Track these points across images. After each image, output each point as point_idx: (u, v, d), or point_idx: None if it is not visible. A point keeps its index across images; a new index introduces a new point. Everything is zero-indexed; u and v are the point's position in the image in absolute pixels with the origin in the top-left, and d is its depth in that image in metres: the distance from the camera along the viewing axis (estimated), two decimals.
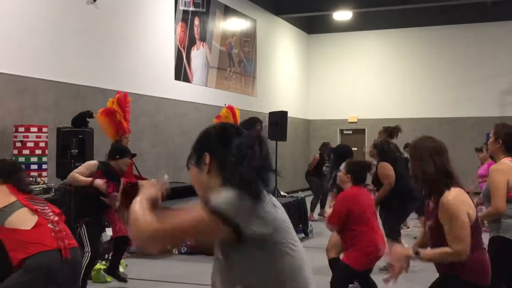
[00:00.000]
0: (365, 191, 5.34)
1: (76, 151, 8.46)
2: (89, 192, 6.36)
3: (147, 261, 7.92)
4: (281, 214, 2.05)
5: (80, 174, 6.34)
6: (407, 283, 7.07)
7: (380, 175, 7.49)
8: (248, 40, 16.96)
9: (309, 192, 13.20)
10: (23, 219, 4.06)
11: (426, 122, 19.24)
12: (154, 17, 12.58)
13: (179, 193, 6.24)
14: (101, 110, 8.58)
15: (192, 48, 13.99)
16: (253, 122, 8.98)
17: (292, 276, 2.00)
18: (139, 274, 7.22)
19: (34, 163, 8.62)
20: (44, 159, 8.79)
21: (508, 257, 4.24)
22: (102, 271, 6.81)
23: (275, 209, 2.03)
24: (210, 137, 2.14)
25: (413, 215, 9.34)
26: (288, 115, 13.00)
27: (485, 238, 3.79)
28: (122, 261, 7.35)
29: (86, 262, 6.14)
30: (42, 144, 8.83)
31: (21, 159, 8.57)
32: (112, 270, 6.80)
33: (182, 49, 13.54)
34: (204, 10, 14.53)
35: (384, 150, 7.66)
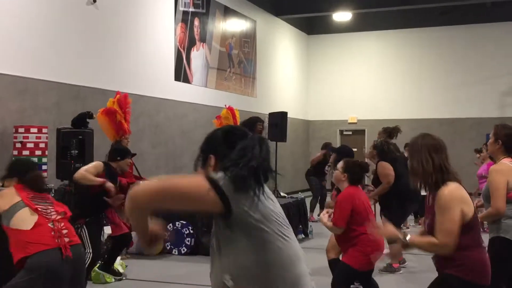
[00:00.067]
0: (362, 192, 5.32)
1: (76, 151, 8.46)
2: (91, 192, 6.37)
3: (147, 262, 7.92)
4: (273, 206, 2.08)
5: (89, 173, 6.36)
6: (407, 284, 7.08)
7: (380, 174, 7.55)
8: (248, 41, 16.97)
9: (309, 193, 13.19)
10: (24, 219, 4.08)
11: (426, 122, 19.24)
12: (154, 18, 12.59)
13: None
14: (101, 110, 8.59)
15: (192, 48, 13.99)
16: (254, 121, 9.00)
17: (282, 269, 2.01)
18: (139, 274, 7.22)
19: None
20: (44, 159, 8.80)
21: (508, 258, 4.25)
22: (96, 269, 6.79)
23: (267, 200, 2.07)
24: (216, 140, 2.20)
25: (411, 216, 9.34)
26: (288, 115, 13.00)
27: (485, 239, 3.80)
28: (122, 261, 7.36)
29: (87, 263, 6.14)
30: (42, 145, 8.85)
31: None
32: (107, 267, 6.81)
33: (182, 50, 13.55)
34: (204, 10, 14.54)
35: (383, 150, 7.68)
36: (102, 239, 7.27)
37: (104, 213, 6.68)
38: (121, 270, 7.11)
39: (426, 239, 3.41)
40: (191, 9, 13.96)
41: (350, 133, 21.07)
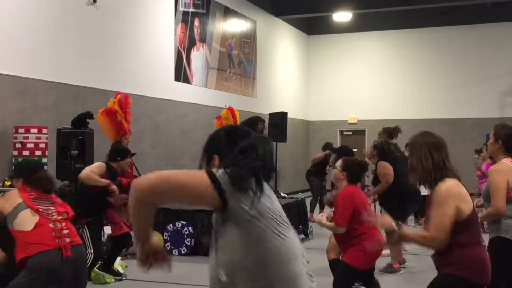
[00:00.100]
0: (361, 191, 5.31)
1: (76, 152, 8.46)
2: (93, 192, 6.37)
3: None
4: (270, 204, 2.07)
5: (94, 174, 6.36)
6: (407, 284, 7.08)
7: (379, 174, 7.59)
8: (248, 41, 16.97)
9: (310, 193, 13.18)
10: (25, 220, 4.10)
11: (426, 123, 19.22)
12: (154, 18, 12.59)
13: None
14: (101, 110, 8.59)
15: (192, 49, 13.99)
16: (255, 121, 9.00)
17: (276, 267, 2.00)
18: (139, 275, 7.21)
19: None
20: (44, 160, 8.79)
21: (508, 258, 4.24)
22: (96, 269, 6.79)
23: (265, 197, 2.07)
24: (219, 140, 2.21)
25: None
26: (288, 116, 13.00)
27: (485, 239, 3.79)
28: (122, 262, 7.36)
29: (89, 263, 6.15)
30: (42, 145, 8.84)
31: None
32: (107, 267, 6.80)
33: (182, 50, 13.54)
34: (204, 11, 14.54)
35: (384, 150, 7.70)
36: (102, 239, 7.28)
37: (105, 213, 6.68)
38: (121, 271, 7.11)
39: (418, 232, 3.46)
40: (191, 10, 13.96)
41: (350, 133, 21.07)
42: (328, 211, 5.40)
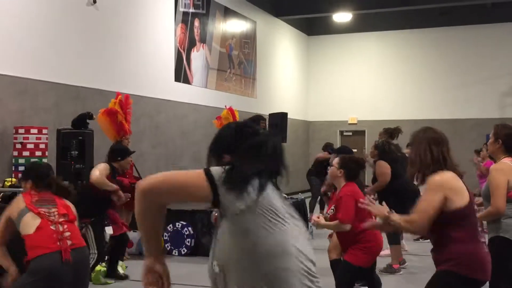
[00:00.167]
0: (359, 189, 5.28)
1: (76, 152, 8.46)
2: (93, 193, 6.37)
3: None
4: (267, 201, 2.05)
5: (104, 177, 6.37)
6: (407, 284, 7.08)
7: (377, 173, 7.68)
8: (248, 42, 16.98)
9: (310, 194, 13.17)
10: (28, 224, 4.12)
11: (426, 123, 18.99)
12: (154, 18, 12.59)
13: None
14: (102, 110, 8.59)
15: (192, 49, 14.00)
16: (256, 120, 9.01)
17: (263, 261, 2.00)
18: (139, 275, 7.21)
19: None
20: (44, 160, 8.78)
21: (508, 257, 4.24)
22: (100, 275, 6.79)
23: (263, 194, 2.05)
24: (227, 138, 2.20)
25: None
26: (288, 116, 13.00)
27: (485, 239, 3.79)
28: (122, 262, 7.35)
29: (92, 263, 6.15)
30: (42, 146, 8.84)
31: (21, 161, 8.58)
32: (112, 271, 6.80)
33: (182, 51, 13.55)
34: (204, 11, 14.54)
35: (384, 150, 7.72)
36: (105, 239, 7.27)
37: (106, 213, 6.69)
38: (121, 271, 7.10)
39: (403, 217, 3.49)
40: (191, 10, 13.97)
41: (350, 133, 21.07)
42: (317, 215, 5.38)
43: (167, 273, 2.17)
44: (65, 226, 4.19)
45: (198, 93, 14.15)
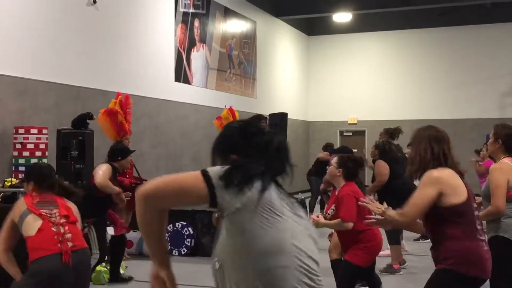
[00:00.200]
0: (359, 189, 5.27)
1: (76, 152, 8.46)
2: (97, 193, 6.36)
3: (147, 263, 7.89)
4: (264, 199, 2.05)
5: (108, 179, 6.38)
6: (407, 284, 7.08)
7: (375, 172, 7.65)
8: (248, 42, 16.98)
9: (309, 194, 13.18)
10: (30, 226, 4.11)
11: (426, 123, 18.92)
12: (154, 18, 12.59)
13: None
14: (103, 110, 8.59)
15: (192, 49, 14.00)
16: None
17: (256, 258, 2.00)
18: (139, 275, 7.21)
19: None
20: (44, 160, 8.78)
21: (507, 257, 4.24)
22: (101, 276, 6.78)
23: (263, 192, 2.05)
24: (233, 138, 2.19)
25: None
26: (288, 116, 12.99)
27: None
28: (122, 263, 7.35)
29: (94, 263, 6.15)
30: (42, 146, 8.84)
31: (21, 161, 8.58)
32: (116, 276, 6.76)
33: (182, 51, 13.55)
34: (204, 11, 14.54)
35: (385, 150, 7.73)
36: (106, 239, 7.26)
37: (107, 213, 6.69)
38: (121, 271, 7.09)
39: (398, 210, 3.55)
40: (191, 10, 13.97)
41: (350, 134, 21.07)
42: (316, 214, 5.38)
43: (173, 279, 2.16)
44: (66, 228, 4.19)
45: (198, 93, 14.15)
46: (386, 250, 7.61)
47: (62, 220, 4.20)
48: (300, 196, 11.33)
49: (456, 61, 19.82)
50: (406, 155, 9.10)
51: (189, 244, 8.51)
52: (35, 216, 4.13)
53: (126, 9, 11.65)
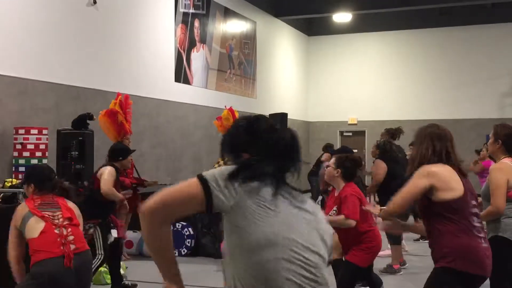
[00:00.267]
0: (359, 189, 5.26)
1: (76, 153, 8.47)
2: (100, 198, 6.36)
3: (147, 263, 7.91)
4: (254, 194, 2.05)
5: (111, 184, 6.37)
6: (407, 284, 7.09)
7: (373, 172, 7.66)
8: (248, 42, 16.98)
9: (309, 194, 13.19)
10: (32, 228, 4.10)
11: (426, 123, 19.15)
12: (154, 19, 12.59)
13: None
14: (103, 111, 8.59)
15: (192, 50, 14.00)
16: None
17: (247, 254, 2.02)
18: (139, 276, 7.22)
19: None
20: (44, 161, 8.78)
21: (507, 257, 4.24)
22: (103, 274, 6.78)
23: (263, 191, 2.06)
24: (242, 136, 2.19)
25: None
26: (288, 117, 13.02)
27: None
28: (122, 263, 7.34)
29: (97, 264, 6.14)
30: (42, 146, 8.84)
31: (21, 161, 8.58)
32: (117, 277, 6.73)
33: (182, 51, 13.55)
34: (204, 12, 14.54)
35: (386, 150, 7.74)
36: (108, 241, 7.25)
37: (109, 216, 6.68)
38: (121, 272, 7.09)
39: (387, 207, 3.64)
40: (191, 11, 13.97)
41: (350, 134, 21.07)
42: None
43: None
44: (69, 230, 4.18)
45: (198, 94, 14.15)
46: (386, 250, 7.62)
47: (65, 222, 4.19)
48: None
49: (456, 61, 19.82)
50: (408, 156, 9.12)
51: (189, 245, 8.51)
52: (38, 218, 4.12)
53: (126, 9, 11.65)
